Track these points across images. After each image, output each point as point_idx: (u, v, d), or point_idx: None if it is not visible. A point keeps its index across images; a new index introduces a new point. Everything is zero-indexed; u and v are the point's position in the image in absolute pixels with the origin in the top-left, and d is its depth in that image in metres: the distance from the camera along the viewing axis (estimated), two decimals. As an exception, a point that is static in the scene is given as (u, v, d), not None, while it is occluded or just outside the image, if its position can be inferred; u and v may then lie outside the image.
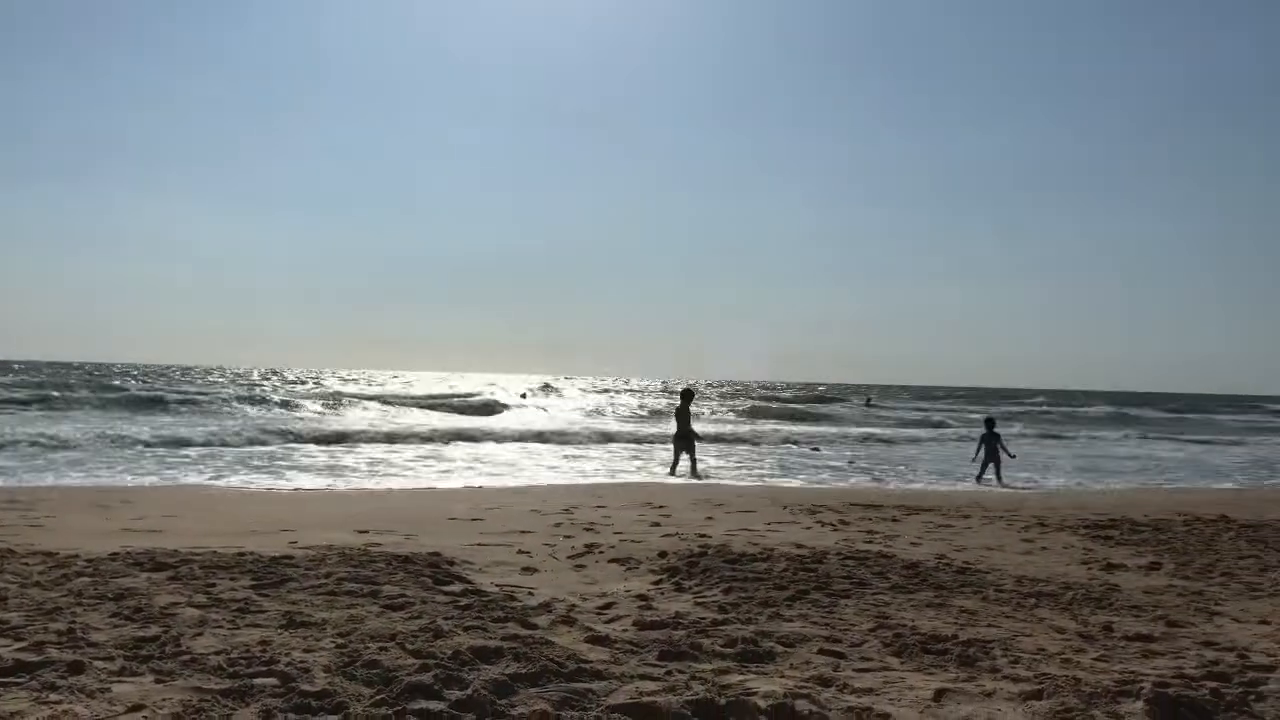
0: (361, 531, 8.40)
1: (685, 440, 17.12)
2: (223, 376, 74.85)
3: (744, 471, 17.96)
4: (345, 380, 75.39)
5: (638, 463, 19.37)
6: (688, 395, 17.96)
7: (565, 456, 20.36)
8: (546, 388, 67.86)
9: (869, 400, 58.15)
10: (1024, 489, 15.92)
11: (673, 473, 16.75)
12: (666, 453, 20.88)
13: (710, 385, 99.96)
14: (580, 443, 23.24)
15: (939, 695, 3.88)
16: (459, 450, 20.69)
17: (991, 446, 17.65)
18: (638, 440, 24.37)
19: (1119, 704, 3.78)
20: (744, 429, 29.45)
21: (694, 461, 17.04)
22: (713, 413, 41.80)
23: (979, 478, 17.26)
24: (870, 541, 8.56)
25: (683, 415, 17.25)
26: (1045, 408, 56.38)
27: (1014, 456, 18.48)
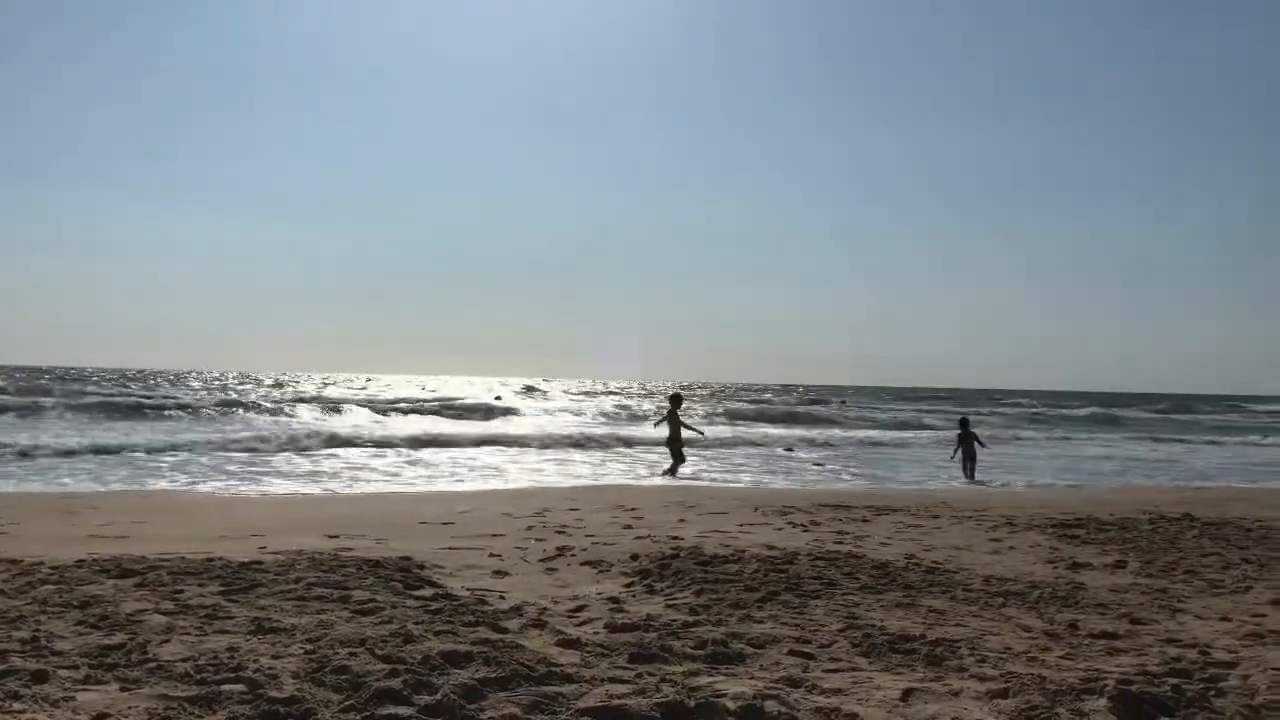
0: (332, 536, 8.36)
1: (673, 443, 17.26)
2: (199, 380, 74.20)
3: (719, 473, 17.99)
4: (324, 384, 74.91)
5: (619, 465, 19.37)
6: (676, 400, 18.06)
7: (543, 460, 20.34)
8: (529, 389, 67.70)
9: (843, 401, 58.41)
10: (995, 488, 16.06)
11: (672, 474, 16.85)
12: (650, 456, 20.95)
13: (689, 387, 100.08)
14: (559, 446, 23.20)
15: (906, 695, 3.92)
16: (434, 454, 20.61)
17: (968, 445, 17.91)
18: (616, 443, 24.37)
19: (1083, 701, 3.83)
20: (720, 431, 29.50)
21: (675, 464, 17.13)
22: (685, 413, 41.92)
23: (970, 476, 17.47)
24: (840, 542, 8.61)
25: (672, 419, 17.36)
26: (1036, 409, 56.66)
27: (985, 445, 18.75)
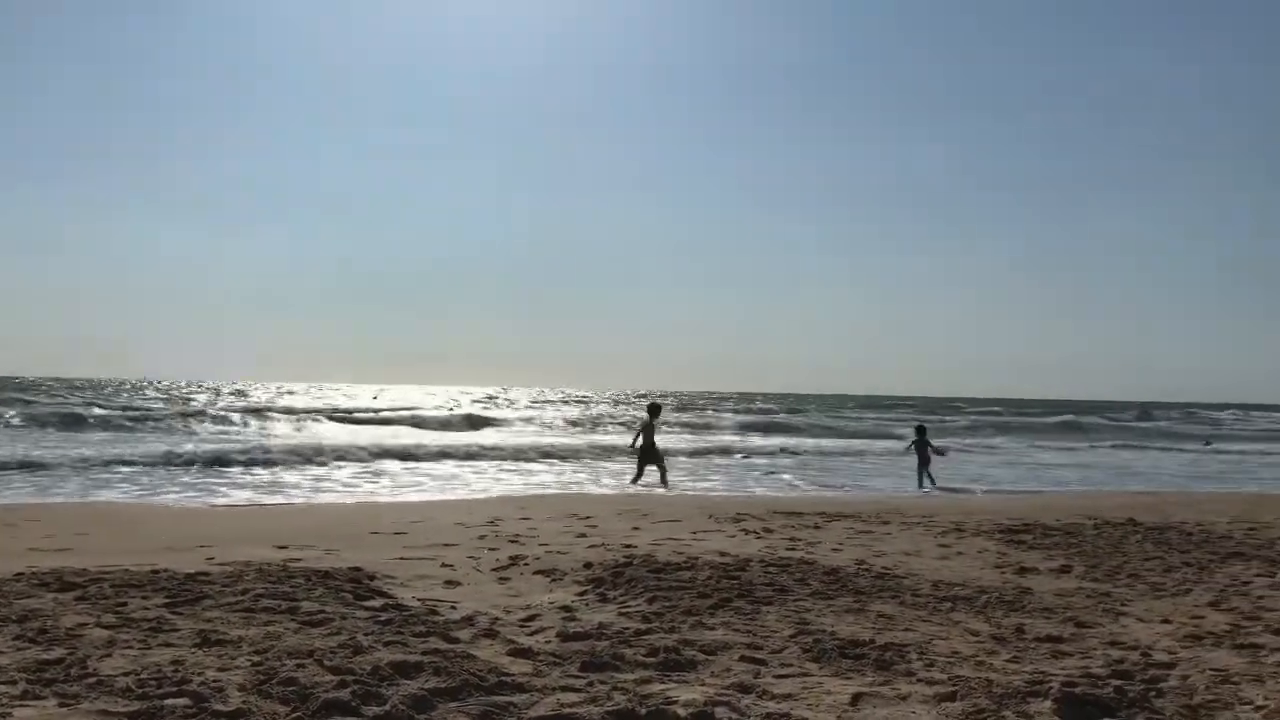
0: (281, 547, 8.25)
1: (650, 453, 17.18)
2: (129, 390, 72.89)
3: (676, 481, 18.02)
4: (278, 393, 73.95)
5: (575, 475, 19.33)
6: (654, 410, 18.02)
7: (497, 469, 20.25)
8: (490, 399, 67.31)
9: (792, 410, 58.77)
10: (945, 495, 16.26)
11: (634, 483, 16.83)
12: (611, 465, 20.94)
13: (648, 396, 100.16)
14: (513, 455, 23.07)
15: (856, 699, 3.95)
16: (388, 464, 20.42)
17: (923, 452, 18.16)
18: (572, 452, 24.30)
19: (1029, 704, 3.89)
20: (679, 439, 29.55)
21: (663, 473, 17.10)
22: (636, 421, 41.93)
23: (929, 483, 17.67)
24: (792, 549, 8.67)
25: (648, 429, 17.36)
26: (1003, 417, 57.26)
27: (942, 454, 18.98)
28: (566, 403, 71.48)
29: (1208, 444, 37.47)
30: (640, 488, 16.27)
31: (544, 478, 18.44)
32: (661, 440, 18.34)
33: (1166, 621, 5.72)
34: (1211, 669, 4.50)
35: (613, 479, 18.13)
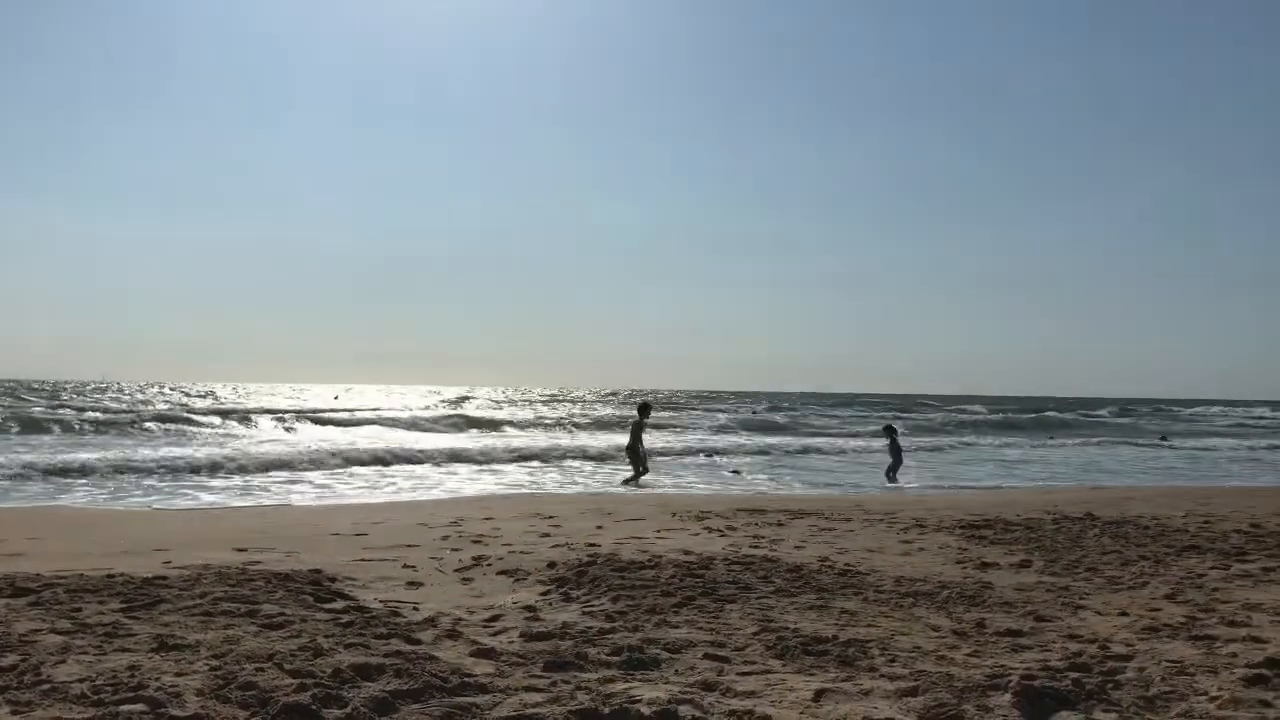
0: (241, 550, 8.16)
1: (634, 453, 17.26)
2: (79, 392, 71.72)
3: (646, 480, 18.01)
4: (236, 394, 73.09)
5: (539, 475, 19.26)
6: (644, 409, 18.03)
7: (460, 469, 20.13)
8: (463, 400, 66.90)
9: (754, 411, 58.83)
10: (908, 491, 16.39)
11: (632, 483, 16.85)
12: (574, 463, 20.88)
13: (616, 395, 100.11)
14: (477, 455, 22.94)
15: (818, 695, 3.97)
16: (348, 465, 20.22)
17: (893, 450, 18.41)
18: (536, 452, 24.19)
19: (988, 697, 3.93)
20: (652, 438, 29.56)
21: (636, 474, 17.17)
22: (592, 421, 41.82)
23: (891, 479, 17.87)
24: (756, 546, 8.69)
25: (637, 428, 17.33)
26: (984, 415, 57.69)
27: (903, 455, 19.20)
28: (532, 402, 71.21)
29: (1164, 439, 38.09)
30: (636, 487, 16.31)
31: (509, 478, 18.36)
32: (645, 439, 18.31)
33: (1124, 614, 5.79)
34: (1167, 660, 4.57)
35: (585, 479, 18.09)
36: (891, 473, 18.17)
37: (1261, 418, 61.49)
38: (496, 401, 71.41)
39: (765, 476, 19.53)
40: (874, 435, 32.53)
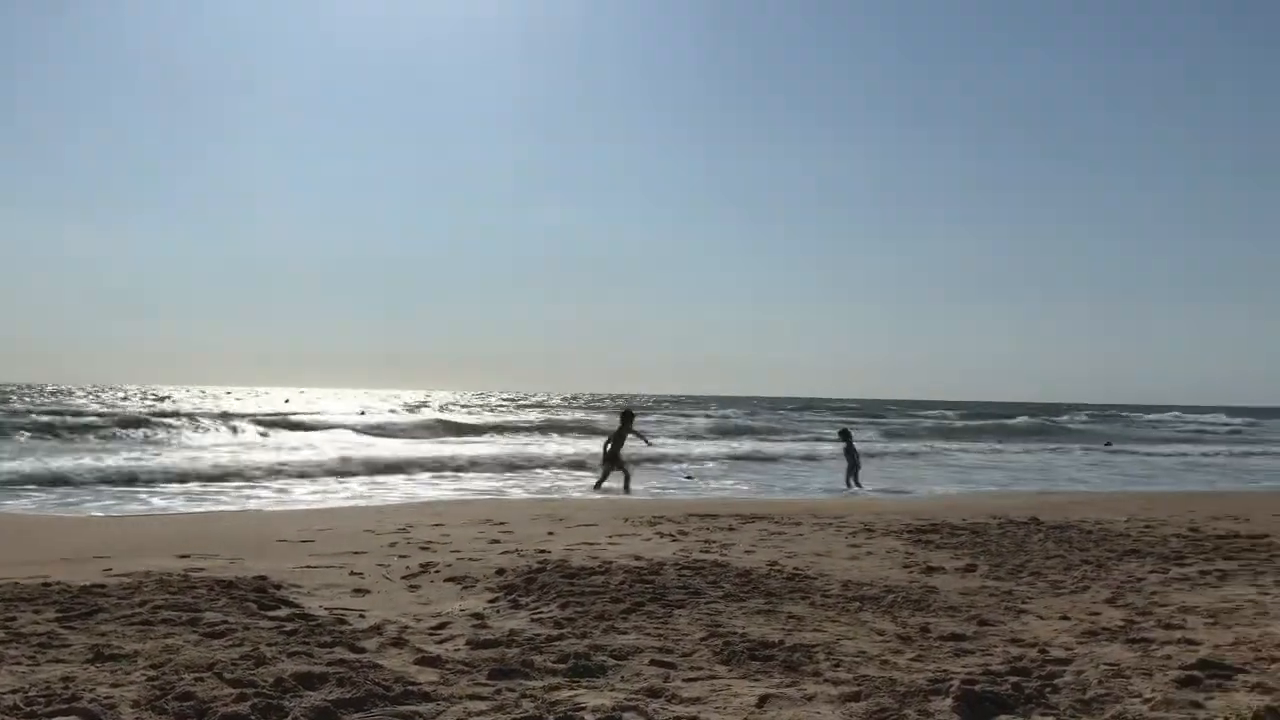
0: (183, 556, 8.02)
1: (613, 461, 17.21)
2: (42, 395, 70.23)
3: (607, 486, 18.00)
4: (177, 397, 71.84)
5: (502, 482, 19.16)
6: (627, 416, 18.01)
7: (410, 475, 19.97)
8: (420, 405, 66.26)
9: (726, 416, 58.89)
10: (858, 495, 16.54)
11: (625, 490, 16.76)
12: (533, 469, 20.80)
13: (578, 398, 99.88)
14: (426, 461, 22.75)
15: (763, 701, 3.99)
16: (295, 470, 19.98)
17: (850, 455, 18.55)
18: (485, 458, 24.05)
19: (930, 702, 3.97)
20: (592, 444, 29.49)
21: (602, 479, 17.18)
22: (527, 425, 41.70)
23: (849, 484, 18.02)
24: (707, 551, 8.72)
25: (618, 436, 17.34)
26: (949, 420, 58.16)
27: (859, 459, 19.37)
28: (493, 407, 70.69)
29: (1108, 445, 38.81)
30: (624, 492, 16.40)
31: (461, 483, 18.25)
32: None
33: (1065, 618, 5.89)
34: (1105, 664, 4.65)
35: (541, 484, 18.02)
36: (849, 477, 18.31)
37: (1220, 424, 62.66)
38: (454, 405, 70.97)
39: (721, 481, 19.60)
40: (836, 440, 32.90)
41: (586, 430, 37.54)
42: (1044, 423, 57.10)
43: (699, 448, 29.81)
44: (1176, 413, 76.74)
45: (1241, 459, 31.40)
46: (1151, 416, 69.17)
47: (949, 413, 68.95)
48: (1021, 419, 58.44)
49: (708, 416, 54.99)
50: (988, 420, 57.95)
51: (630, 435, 17.49)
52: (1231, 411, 78.37)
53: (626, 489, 16.79)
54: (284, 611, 5.77)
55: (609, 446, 17.36)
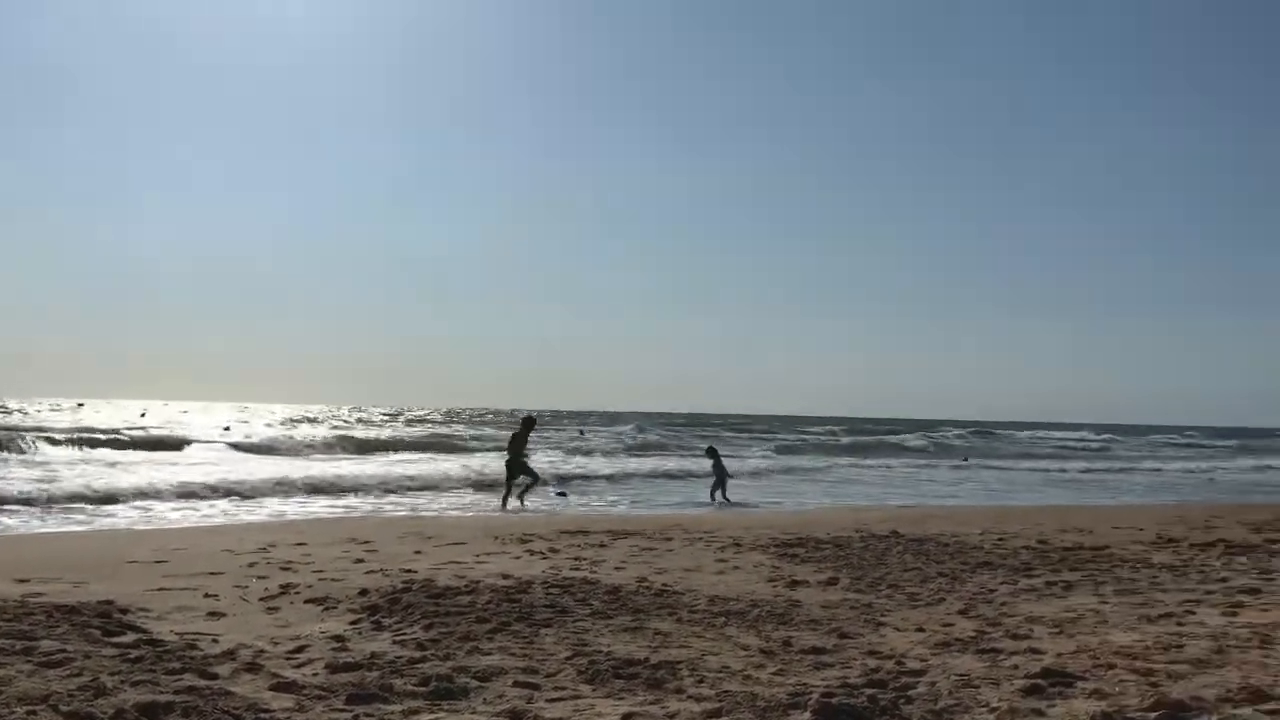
0: (21, 580, 7.56)
1: (515, 465, 16.95)
2: None
3: (461, 501, 17.78)
4: (36, 409, 67.83)
5: (368, 500, 18.69)
6: (528, 423, 17.69)
7: (273, 493, 19.30)
8: (295, 422, 63.80)
9: (581, 431, 58.65)
10: (729, 510, 16.77)
11: (504, 506, 16.52)
12: (405, 488, 20.35)
13: (460, 414, 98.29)
14: (292, 480, 22.00)
15: (626, 719, 3.99)
16: (152, 488, 19.06)
17: (718, 470, 18.87)
18: (345, 476, 23.44)
19: (789, 716, 4.05)
20: (457, 461, 29.08)
21: (525, 489, 16.93)
22: (531, 441, 40.90)
23: (714, 499, 18.27)
24: (576, 568, 8.70)
25: (516, 442, 17.04)
26: (831, 437, 59.01)
27: (727, 474, 19.63)
28: (368, 422, 68.66)
29: (965, 460, 40.41)
30: (515, 506, 16.14)
31: (328, 501, 17.76)
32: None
33: (920, 630, 6.09)
34: (956, 674, 4.82)
35: (411, 501, 17.68)
36: (717, 492, 18.60)
37: (1083, 441, 65.53)
38: (327, 419, 68.92)
39: (604, 496, 19.59)
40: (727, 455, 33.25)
41: (448, 448, 36.84)
42: (921, 438, 58.98)
43: (577, 463, 29.75)
44: (1046, 430, 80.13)
45: (1092, 474, 33.14)
46: (1024, 434, 72.09)
47: (836, 429, 70.53)
48: (904, 435, 60.23)
49: (580, 432, 54.85)
50: (870, 436, 59.54)
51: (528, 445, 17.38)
52: (1097, 429, 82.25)
53: (521, 500, 16.64)
54: (130, 637, 5.50)
55: (509, 457, 17.16)
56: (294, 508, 16.15)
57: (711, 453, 19.92)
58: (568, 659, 5.07)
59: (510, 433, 18.05)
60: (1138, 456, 49.21)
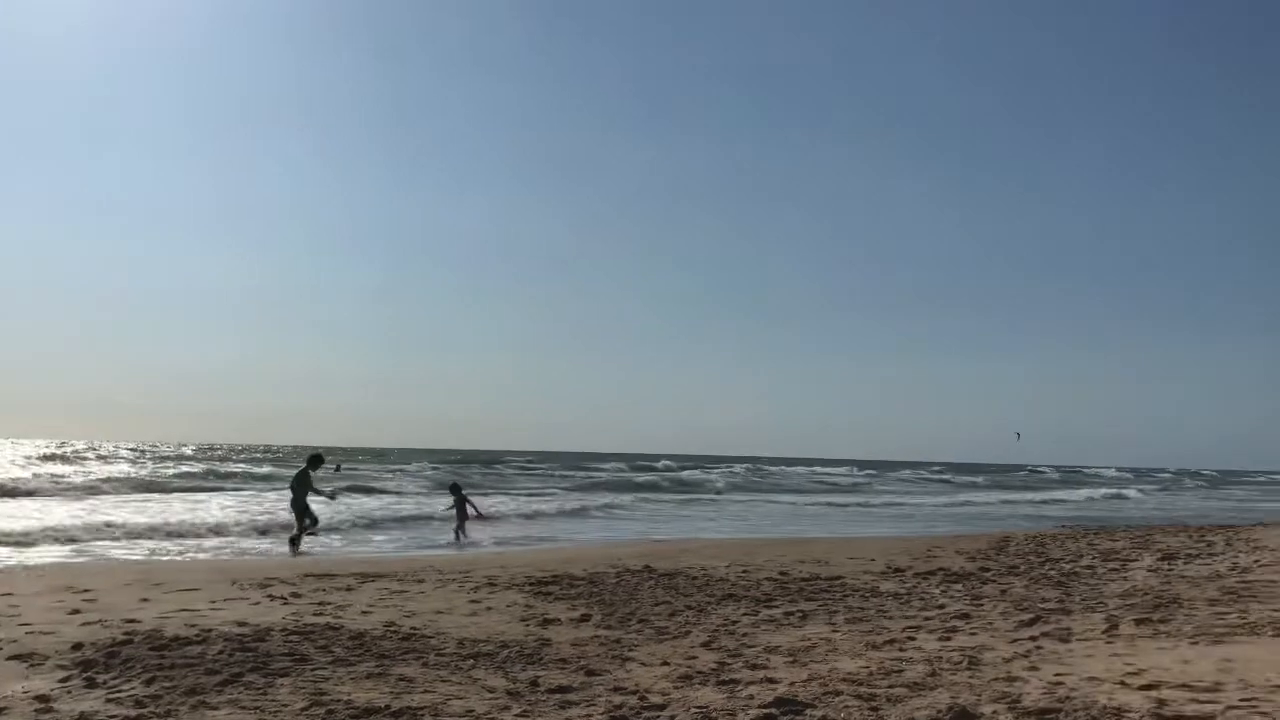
0: None
1: (300, 507, 15.96)
2: None
3: (199, 545, 16.64)
4: None
5: (95, 543, 17.10)
6: (315, 460, 16.64)
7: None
8: (45, 457, 57.09)
9: (338, 466, 56.31)
10: (483, 549, 16.57)
11: (299, 540, 15.59)
12: (134, 533, 18.76)
13: (217, 449, 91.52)
14: (14, 531, 19.89)
15: (361, 772, 3.84)
16: None
17: (460, 508, 18.55)
18: (70, 514, 21.48)
19: (531, 757, 4.02)
20: (239, 499, 27.24)
21: (301, 529, 15.93)
22: (318, 479, 38.06)
23: (459, 538, 17.95)
24: (320, 613, 8.33)
25: (303, 480, 16.03)
26: (612, 473, 58.67)
27: (480, 513, 19.37)
28: (107, 457, 62.78)
29: (719, 493, 41.93)
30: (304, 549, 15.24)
31: (44, 548, 16.16)
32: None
33: (666, 664, 6.22)
34: (695, 707, 4.96)
35: (145, 544, 16.35)
36: (458, 530, 18.37)
37: (845, 476, 68.75)
38: (58, 455, 62.61)
39: (365, 539, 18.83)
40: (519, 493, 32.69)
41: (202, 487, 34.60)
42: (698, 473, 60.32)
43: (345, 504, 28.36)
44: (815, 466, 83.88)
45: (835, 507, 35.12)
46: (795, 469, 75.18)
47: (623, 465, 71.11)
48: (684, 471, 61.45)
49: (337, 468, 52.54)
50: (652, 474, 60.38)
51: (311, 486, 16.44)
52: (861, 464, 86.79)
53: (297, 541, 15.76)
54: None
55: (294, 495, 16.19)
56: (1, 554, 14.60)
57: (455, 489, 19.60)
58: (303, 710, 4.85)
59: (295, 471, 17.10)
60: (888, 490, 52.74)
